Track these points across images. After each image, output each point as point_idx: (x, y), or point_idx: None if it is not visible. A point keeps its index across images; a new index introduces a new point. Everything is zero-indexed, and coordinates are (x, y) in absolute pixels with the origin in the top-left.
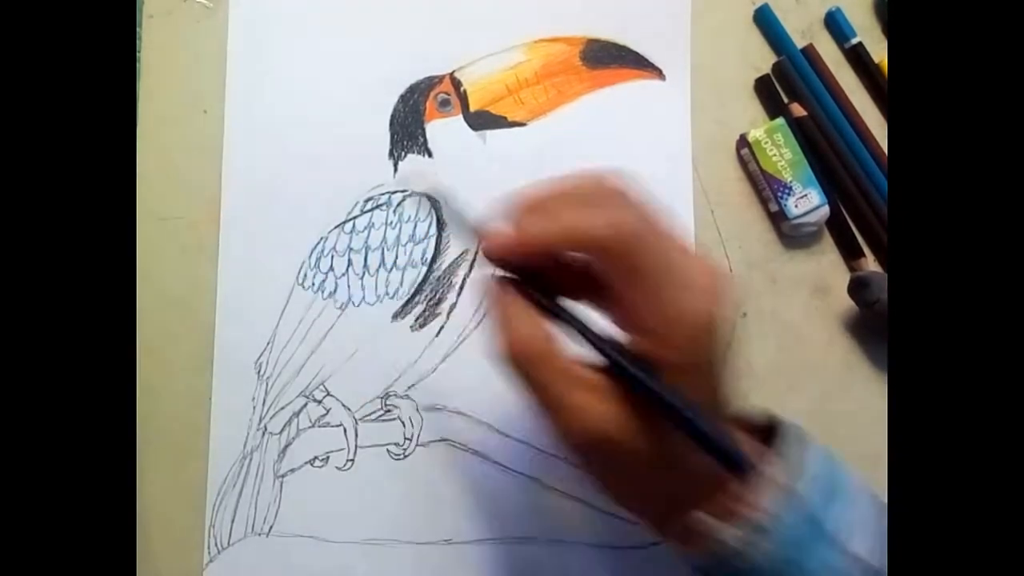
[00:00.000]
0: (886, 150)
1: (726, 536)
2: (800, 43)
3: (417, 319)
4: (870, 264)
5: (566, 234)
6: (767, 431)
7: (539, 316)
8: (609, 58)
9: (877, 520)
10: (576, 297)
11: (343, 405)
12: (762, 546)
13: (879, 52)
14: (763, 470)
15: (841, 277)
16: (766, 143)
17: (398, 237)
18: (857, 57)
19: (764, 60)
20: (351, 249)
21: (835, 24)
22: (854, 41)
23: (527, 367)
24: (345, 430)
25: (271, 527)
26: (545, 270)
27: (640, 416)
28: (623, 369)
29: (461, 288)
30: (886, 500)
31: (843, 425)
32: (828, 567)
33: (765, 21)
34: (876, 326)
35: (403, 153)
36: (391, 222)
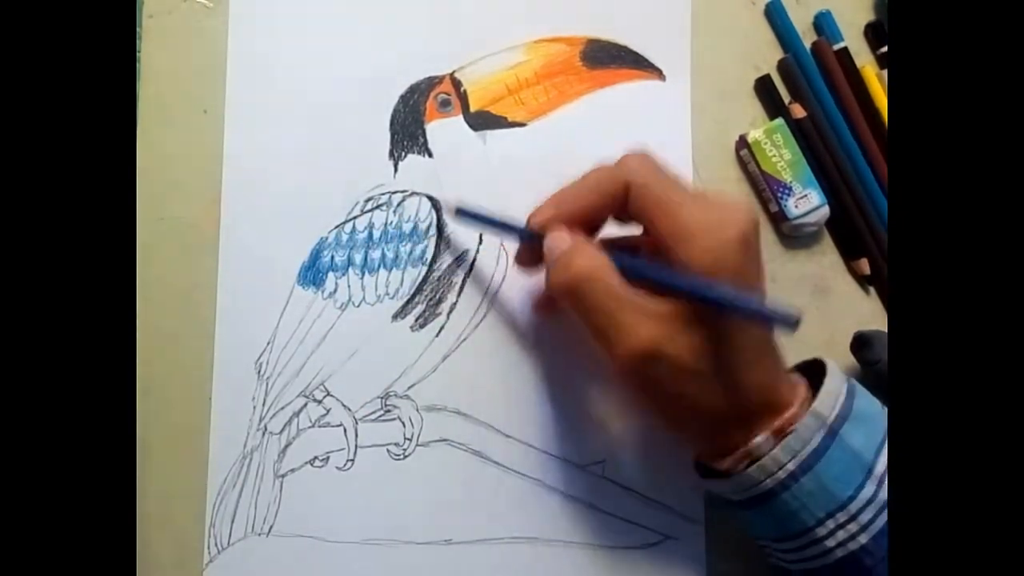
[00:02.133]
0: (885, 151)
1: (770, 457)
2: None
3: (417, 319)
4: (869, 266)
5: (591, 191)
6: (817, 374)
7: (594, 249)
8: (609, 58)
9: None
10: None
11: (343, 405)
12: (799, 473)
13: (863, 58)
14: (804, 411)
15: (841, 277)
16: (765, 144)
17: (398, 237)
18: (844, 62)
19: (764, 60)
20: (351, 249)
21: (823, 28)
22: (838, 46)
23: (585, 292)
24: (345, 430)
25: (271, 527)
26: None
27: (691, 333)
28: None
29: (461, 288)
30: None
31: None
32: (865, 498)
33: (775, 16)
34: (877, 385)
35: (403, 153)
36: (391, 222)
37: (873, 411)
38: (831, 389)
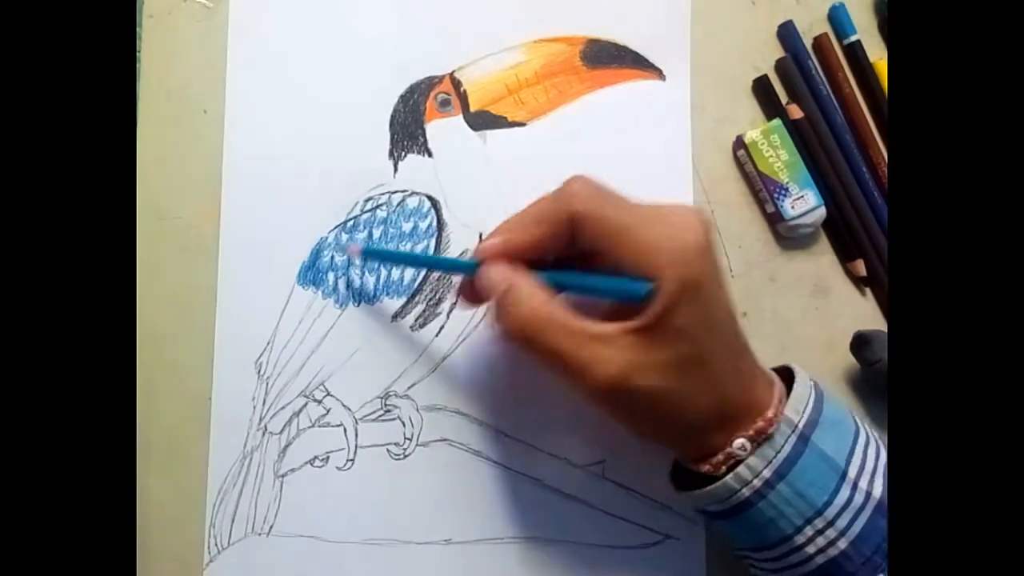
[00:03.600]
0: (884, 150)
1: (747, 464)
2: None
3: (417, 319)
4: (865, 267)
5: (537, 223)
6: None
7: (537, 288)
8: (609, 58)
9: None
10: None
11: (343, 405)
12: (774, 480)
13: (877, 52)
14: (781, 411)
15: (840, 277)
16: (762, 144)
17: (398, 237)
18: (853, 56)
19: (764, 60)
20: None
21: (837, 20)
22: (852, 39)
23: (537, 335)
24: (345, 430)
25: (271, 527)
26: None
27: (656, 353)
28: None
29: (461, 288)
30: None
31: None
32: (841, 503)
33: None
34: (877, 384)
35: (403, 153)
36: (391, 222)
37: (841, 416)
38: (800, 394)
